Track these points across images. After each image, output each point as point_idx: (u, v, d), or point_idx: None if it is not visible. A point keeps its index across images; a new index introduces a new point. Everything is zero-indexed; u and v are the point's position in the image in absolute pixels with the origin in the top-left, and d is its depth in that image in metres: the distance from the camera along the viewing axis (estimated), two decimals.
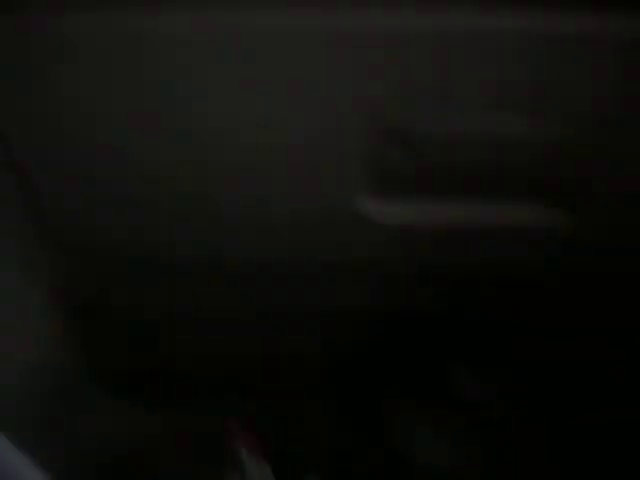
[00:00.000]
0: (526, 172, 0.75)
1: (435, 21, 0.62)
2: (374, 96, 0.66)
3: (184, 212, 0.77)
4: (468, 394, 1.10)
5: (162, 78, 0.64)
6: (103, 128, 0.67)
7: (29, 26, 0.61)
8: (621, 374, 0.98)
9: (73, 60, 0.62)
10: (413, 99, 0.66)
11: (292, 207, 0.77)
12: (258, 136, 0.69)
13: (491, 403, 1.09)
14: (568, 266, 0.89)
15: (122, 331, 0.99)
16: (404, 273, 0.91)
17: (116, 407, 1.05)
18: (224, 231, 0.81)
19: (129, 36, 0.62)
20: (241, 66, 0.63)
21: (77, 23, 0.61)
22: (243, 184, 0.74)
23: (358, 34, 0.62)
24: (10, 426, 0.60)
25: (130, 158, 0.70)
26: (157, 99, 0.65)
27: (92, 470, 0.98)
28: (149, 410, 1.07)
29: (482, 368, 1.09)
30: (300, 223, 0.79)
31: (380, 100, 0.66)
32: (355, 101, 0.66)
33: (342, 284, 0.96)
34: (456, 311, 0.99)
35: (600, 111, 0.68)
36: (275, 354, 1.07)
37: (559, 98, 0.67)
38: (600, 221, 0.79)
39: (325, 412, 1.11)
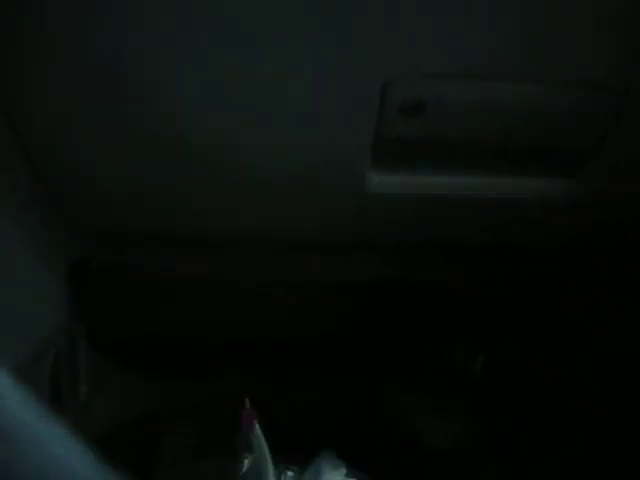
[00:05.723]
0: (530, 140, 0.74)
1: None
2: (383, 60, 0.64)
3: (184, 176, 0.76)
4: (468, 371, 1.09)
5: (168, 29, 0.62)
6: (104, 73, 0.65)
7: None
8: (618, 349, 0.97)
9: None
10: (423, 64, 0.65)
11: (293, 177, 0.76)
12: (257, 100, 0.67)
13: (491, 380, 1.08)
14: (567, 239, 0.88)
15: (121, 296, 0.98)
16: (406, 246, 0.91)
17: (117, 377, 1.05)
18: (224, 200, 0.80)
19: None
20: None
21: None
22: (243, 152, 0.73)
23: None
24: None
25: (130, 110, 0.68)
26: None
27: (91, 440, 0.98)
28: (149, 381, 1.07)
29: (483, 344, 1.08)
30: (301, 193, 0.78)
31: (389, 64, 0.65)
32: (362, 65, 0.64)
33: (344, 257, 0.95)
34: (457, 284, 0.98)
35: (615, 78, 0.67)
36: (275, 329, 1.06)
37: (571, 62, 0.66)
38: (603, 191, 0.78)
39: (326, 387, 1.10)
